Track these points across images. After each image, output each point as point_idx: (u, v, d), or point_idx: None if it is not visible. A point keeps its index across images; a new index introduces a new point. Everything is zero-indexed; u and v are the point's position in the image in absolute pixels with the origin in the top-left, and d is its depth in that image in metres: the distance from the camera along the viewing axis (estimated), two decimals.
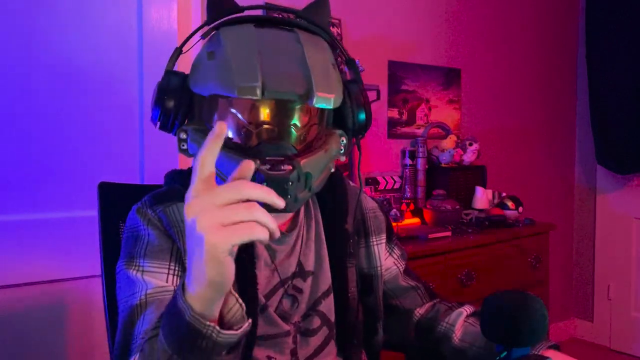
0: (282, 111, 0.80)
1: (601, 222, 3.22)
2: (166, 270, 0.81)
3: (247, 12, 0.88)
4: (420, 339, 1.01)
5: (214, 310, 0.61)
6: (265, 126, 0.79)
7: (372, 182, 2.31)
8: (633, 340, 3.06)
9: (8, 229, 1.50)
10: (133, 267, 0.81)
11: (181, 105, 0.82)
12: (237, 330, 0.63)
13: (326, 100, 0.77)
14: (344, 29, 2.21)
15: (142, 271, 0.80)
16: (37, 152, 1.54)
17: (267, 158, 0.74)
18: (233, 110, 0.80)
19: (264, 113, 0.79)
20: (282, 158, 0.75)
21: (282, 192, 0.73)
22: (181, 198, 0.85)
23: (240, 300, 0.65)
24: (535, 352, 0.80)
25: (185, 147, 0.82)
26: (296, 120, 0.80)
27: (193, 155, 0.82)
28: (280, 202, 0.57)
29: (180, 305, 0.60)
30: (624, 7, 2.88)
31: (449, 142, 2.44)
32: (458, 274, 1.99)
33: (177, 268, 0.81)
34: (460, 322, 0.96)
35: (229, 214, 0.55)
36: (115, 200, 1.06)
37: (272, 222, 0.57)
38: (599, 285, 3.23)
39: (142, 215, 0.84)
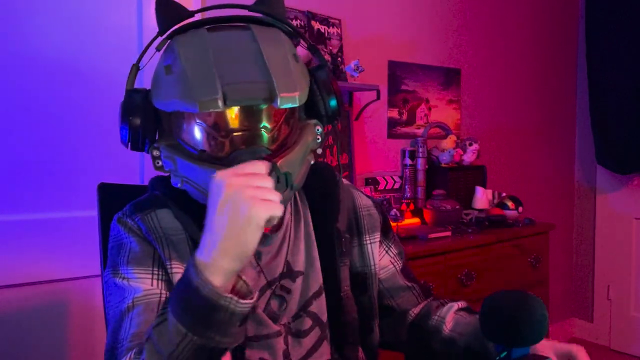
0: (249, 115, 0.79)
1: (601, 222, 3.22)
2: (150, 275, 0.81)
3: (197, 16, 0.86)
4: (412, 337, 1.00)
5: (231, 282, 0.66)
6: (235, 133, 0.78)
7: (372, 182, 2.31)
8: (633, 340, 3.06)
9: (9, 229, 1.50)
10: (119, 276, 0.82)
11: (148, 122, 0.81)
12: (250, 299, 0.66)
13: (291, 100, 0.76)
14: (344, 29, 2.21)
15: (128, 279, 0.81)
16: (37, 152, 1.54)
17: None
18: (200, 122, 0.79)
19: (232, 120, 0.78)
20: None
21: None
22: (160, 205, 0.86)
23: (244, 278, 0.68)
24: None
25: (160, 164, 0.81)
26: (265, 122, 0.79)
27: (169, 171, 0.81)
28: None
29: (196, 282, 0.63)
30: (624, 7, 2.88)
31: (449, 142, 2.44)
32: (458, 274, 1.99)
33: (160, 272, 0.82)
34: (451, 315, 0.95)
35: (265, 192, 0.65)
36: (115, 201, 1.06)
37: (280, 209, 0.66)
38: (599, 285, 3.23)
39: (122, 225, 0.85)
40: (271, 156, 0.76)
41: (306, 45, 0.91)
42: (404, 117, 2.47)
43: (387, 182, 2.36)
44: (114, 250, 0.84)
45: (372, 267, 0.98)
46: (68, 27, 1.57)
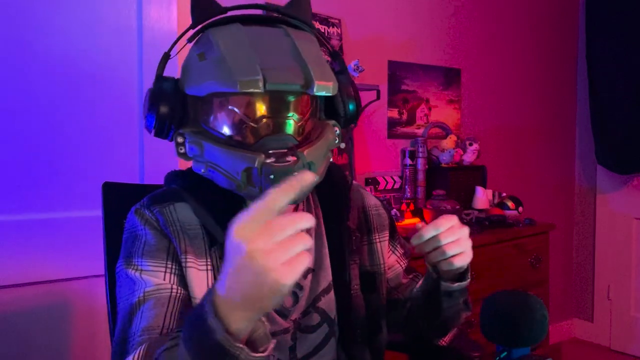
0: (280, 104, 0.81)
1: (601, 222, 3.22)
2: (163, 269, 0.82)
3: (230, 13, 0.89)
4: (407, 319, 1.02)
5: (249, 328, 0.60)
6: (265, 120, 0.80)
7: (372, 182, 2.31)
8: (633, 340, 3.05)
9: (12, 228, 1.50)
10: (132, 267, 0.82)
11: (175, 109, 0.83)
12: (263, 352, 0.62)
13: (326, 88, 0.78)
14: (344, 29, 2.21)
15: (141, 270, 0.81)
16: (36, 152, 1.54)
17: (271, 151, 0.76)
18: (231, 107, 0.81)
19: (262, 107, 0.80)
20: (285, 150, 0.77)
21: None
22: (178, 199, 0.87)
23: (264, 319, 0.63)
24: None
25: (183, 150, 0.83)
26: (294, 112, 0.82)
27: (192, 158, 0.83)
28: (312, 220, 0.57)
29: (211, 323, 0.58)
30: (624, 7, 2.88)
31: (449, 142, 2.44)
32: None
33: (174, 266, 0.83)
34: (422, 280, 0.99)
35: (290, 250, 0.55)
36: (119, 200, 1.06)
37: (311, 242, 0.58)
38: (599, 285, 3.23)
39: (139, 216, 0.86)
40: (297, 146, 0.79)
41: (327, 52, 0.95)
42: (404, 117, 2.47)
43: (387, 182, 2.36)
44: (129, 242, 0.85)
45: (381, 266, 1.00)
46: (68, 28, 1.57)
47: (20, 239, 1.51)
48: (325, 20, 2.12)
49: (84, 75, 1.60)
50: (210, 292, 0.60)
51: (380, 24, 2.37)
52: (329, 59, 0.97)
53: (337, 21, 2.17)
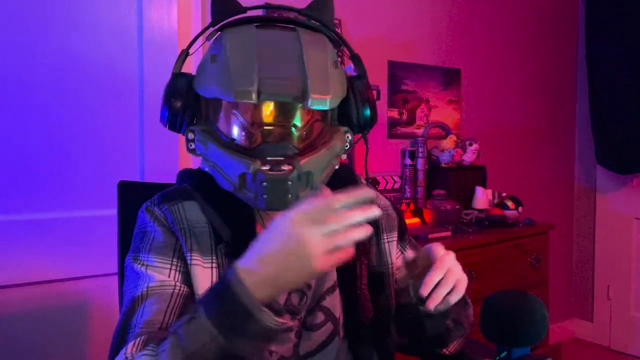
0: (282, 112, 0.81)
1: (601, 222, 3.22)
2: (169, 266, 0.83)
3: (250, 12, 0.89)
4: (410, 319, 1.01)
5: (267, 302, 0.66)
6: (267, 127, 0.81)
7: (372, 182, 2.31)
8: (633, 340, 3.06)
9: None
10: (138, 262, 0.84)
11: (187, 106, 0.85)
12: (284, 320, 0.67)
13: (321, 102, 0.78)
14: (344, 29, 2.21)
15: (147, 266, 0.83)
16: (36, 152, 1.54)
17: (268, 158, 0.77)
18: (234, 112, 0.82)
19: (265, 114, 0.81)
20: (282, 158, 0.77)
21: (283, 192, 0.76)
22: (187, 197, 0.89)
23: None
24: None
25: (192, 147, 0.85)
26: (297, 120, 0.82)
27: (201, 155, 0.84)
28: (376, 212, 0.64)
29: (238, 290, 0.64)
30: (624, 7, 2.88)
31: (449, 142, 2.44)
32: None
33: (179, 263, 0.84)
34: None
35: (337, 242, 0.63)
36: (134, 199, 1.06)
37: (364, 231, 0.64)
38: (599, 285, 3.23)
39: (149, 213, 0.88)
40: (297, 154, 0.80)
41: (349, 55, 0.94)
42: (404, 117, 2.47)
43: (387, 182, 2.36)
44: (138, 237, 0.87)
45: (389, 267, 0.99)
46: (68, 28, 1.57)
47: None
48: None
49: (85, 75, 1.60)
50: (232, 267, 0.66)
51: (380, 24, 2.37)
52: (351, 62, 0.97)
53: (337, 21, 2.17)
